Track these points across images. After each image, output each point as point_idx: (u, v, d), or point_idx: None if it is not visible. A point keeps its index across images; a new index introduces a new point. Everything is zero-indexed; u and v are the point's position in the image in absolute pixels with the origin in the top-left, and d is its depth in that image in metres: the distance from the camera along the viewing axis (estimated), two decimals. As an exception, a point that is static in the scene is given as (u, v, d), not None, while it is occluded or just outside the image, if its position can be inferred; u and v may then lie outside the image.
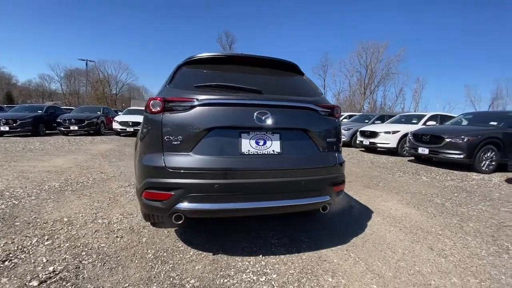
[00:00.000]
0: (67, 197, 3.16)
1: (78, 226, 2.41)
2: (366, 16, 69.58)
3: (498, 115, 6.82)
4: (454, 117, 8.45)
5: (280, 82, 2.12)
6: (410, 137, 7.02)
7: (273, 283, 1.70)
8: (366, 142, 8.85)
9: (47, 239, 2.15)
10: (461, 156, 5.74)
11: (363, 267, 1.91)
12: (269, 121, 1.77)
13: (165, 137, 1.72)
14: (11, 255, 1.90)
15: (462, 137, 5.80)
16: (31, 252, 1.95)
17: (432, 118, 8.68)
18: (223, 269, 1.82)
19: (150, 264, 1.86)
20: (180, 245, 2.14)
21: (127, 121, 11.37)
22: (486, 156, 5.77)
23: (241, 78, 2.01)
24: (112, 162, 5.52)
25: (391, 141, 8.27)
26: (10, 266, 1.77)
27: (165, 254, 1.99)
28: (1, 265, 1.78)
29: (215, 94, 1.78)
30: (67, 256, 1.91)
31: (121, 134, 12.09)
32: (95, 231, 2.32)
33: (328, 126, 1.98)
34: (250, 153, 1.76)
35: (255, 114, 1.76)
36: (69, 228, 2.36)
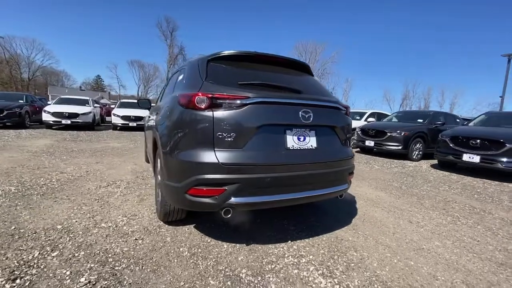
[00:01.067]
0: (41, 203, 2.70)
1: (80, 233, 2.15)
2: (306, 16, 74.56)
3: (422, 114, 8.44)
4: (388, 114, 10.05)
5: (302, 82, 2.30)
6: (358, 132, 8.09)
7: (313, 262, 1.91)
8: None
9: (52, 250, 1.87)
10: (399, 147, 6.95)
11: (372, 241, 2.29)
12: (310, 119, 1.95)
13: (217, 134, 1.72)
14: (16, 272, 1.62)
15: (399, 131, 7.02)
16: (42, 266, 1.69)
17: (371, 115, 10.13)
18: (265, 257, 1.94)
19: (192, 261, 1.84)
20: (209, 240, 2.14)
21: (62, 112, 9.76)
22: (416, 147, 7.14)
23: (270, 77, 2.12)
24: (65, 160, 4.79)
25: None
26: (27, 284, 1.52)
27: (200, 250, 1.99)
28: (14, 285, 1.51)
29: (264, 92, 1.86)
30: (92, 265, 1.73)
31: (54, 127, 10.32)
32: (106, 236, 2.11)
33: (347, 123, 2.27)
34: (293, 148, 1.90)
35: (300, 112, 1.91)
36: (71, 235, 2.09)
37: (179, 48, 54.41)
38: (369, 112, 10.26)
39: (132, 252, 1.91)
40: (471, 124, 6.56)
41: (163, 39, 52.97)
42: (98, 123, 12.45)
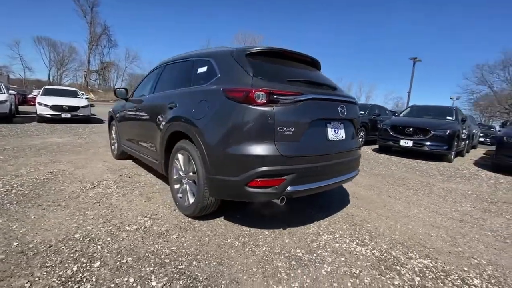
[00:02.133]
0: (26, 212, 2.25)
1: (108, 239, 1.94)
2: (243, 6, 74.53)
3: (362, 106, 9.81)
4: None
5: (321, 78, 2.52)
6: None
7: (345, 236, 2.23)
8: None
9: (91, 261, 1.67)
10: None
11: (374, 214, 2.77)
12: (344, 114, 2.22)
13: (278, 128, 1.81)
14: (69, 289, 1.42)
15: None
16: (93, 279, 1.52)
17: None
18: (306, 237, 2.16)
19: (247, 249, 1.92)
20: (248, 229, 2.23)
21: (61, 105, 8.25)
22: (360, 134, 8.35)
23: (302, 74, 2.29)
24: (7, 161, 3.91)
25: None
26: (94, 298, 1.37)
27: (247, 239, 2.07)
28: (78, 301, 1.34)
29: (312, 89, 2.01)
30: (152, 268, 1.64)
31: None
32: (142, 238, 1.97)
33: (359, 116, 2.63)
34: (332, 139, 2.14)
35: (339, 108, 2.15)
36: (100, 243, 1.87)
37: (102, 27, 47.45)
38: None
39: (184, 250, 1.86)
40: (401, 115, 8.07)
41: (81, 15, 45.21)
42: (14, 115, 10.14)
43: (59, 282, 1.48)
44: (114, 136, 4.44)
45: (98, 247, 1.83)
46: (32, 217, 2.19)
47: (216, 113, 1.96)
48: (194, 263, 1.72)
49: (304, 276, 1.66)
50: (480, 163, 6.80)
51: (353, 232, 2.31)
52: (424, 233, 2.40)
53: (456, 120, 6.84)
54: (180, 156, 2.41)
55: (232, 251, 1.89)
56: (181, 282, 1.54)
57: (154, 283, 1.51)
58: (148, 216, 2.35)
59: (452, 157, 6.45)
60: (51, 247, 1.79)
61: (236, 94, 1.88)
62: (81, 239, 1.91)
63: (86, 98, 10.66)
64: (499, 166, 5.59)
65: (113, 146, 4.58)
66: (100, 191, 2.88)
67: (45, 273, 1.54)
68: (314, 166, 1.96)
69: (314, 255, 1.91)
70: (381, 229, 2.41)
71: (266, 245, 2.00)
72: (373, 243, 2.15)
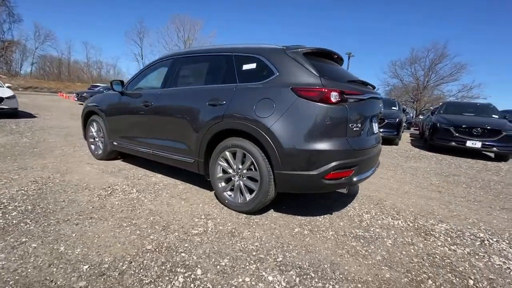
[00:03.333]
0: (58, 230, 1.90)
1: (185, 245, 1.84)
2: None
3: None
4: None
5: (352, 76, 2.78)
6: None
7: (379, 214, 2.62)
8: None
9: (189, 269, 1.60)
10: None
11: (384, 194, 3.28)
12: (381, 110, 2.54)
13: (350, 125, 2.00)
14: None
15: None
16: (206, 285, 1.49)
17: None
18: (353, 218, 2.46)
19: (319, 235, 2.10)
20: (303, 218, 2.39)
21: None
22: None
23: (344, 72, 2.51)
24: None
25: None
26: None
27: (310, 227, 2.24)
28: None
29: (367, 89, 2.23)
30: (256, 265, 1.68)
31: None
32: (218, 240, 1.94)
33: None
34: (375, 133, 2.45)
35: (380, 104, 2.45)
36: (181, 250, 1.77)
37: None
38: None
39: (267, 244, 1.92)
40: (442, 112, 7.54)
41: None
42: None
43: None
44: (95, 134, 3.88)
45: (184, 254, 1.74)
46: (73, 235, 1.88)
47: (287, 111, 2.02)
48: (287, 254, 1.82)
49: (379, 250, 1.96)
50: (416, 145, 8.40)
51: (382, 210, 2.73)
52: (426, 204, 3.00)
53: (399, 110, 8.23)
54: (228, 154, 2.37)
55: (308, 239, 2.05)
56: (293, 273, 1.64)
57: (270, 278, 1.57)
58: (202, 217, 2.27)
59: (398, 141, 7.78)
60: (133, 263, 1.62)
61: (310, 94, 1.98)
62: (157, 249, 1.77)
63: (8, 87, 8.53)
64: (433, 146, 7.04)
65: (93, 146, 3.99)
66: (124, 197, 2.58)
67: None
68: (368, 158, 2.25)
69: (371, 232, 2.23)
70: (398, 205, 2.91)
71: (330, 230, 2.22)
72: (401, 216, 2.61)
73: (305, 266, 1.71)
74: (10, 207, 2.21)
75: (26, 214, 2.12)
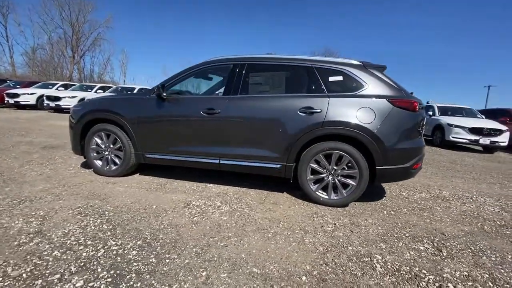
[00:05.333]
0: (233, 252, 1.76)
1: (353, 248, 2.08)
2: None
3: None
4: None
5: None
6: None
7: (422, 194, 3.48)
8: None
9: (369, 268, 1.90)
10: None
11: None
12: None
13: (423, 127, 2.64)
14: None
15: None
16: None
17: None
18: (393, 205, 3.21)
19: (419, 212, 2.72)
20: (380, 201, 2.96)
21: None
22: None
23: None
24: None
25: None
26: None
27: (394, 212, 2.83)
28: None
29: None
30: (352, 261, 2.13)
31: None
32: (363, 237, 2.25)
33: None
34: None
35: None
36: (355, 260, 2.01)
37: None
38: (98, 86, 13.48)
39: (405, 231, 2.38)
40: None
41: None
42: None
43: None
44: (104, 147, 3.22)
45: (352, 248, 1.99)
46: (253, 251, 1.79)
47: (386, 118, 2.48)
48: (399, 225, 2.34)
49: (445, 216, 2.74)
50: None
51: (421, 190, 3.61)
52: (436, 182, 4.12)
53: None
54: (322, 157, 2.65)
55: (392, 212, 2.62)
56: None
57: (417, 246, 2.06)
58: (314, 217, 2.48)
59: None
60: (333, 263, 1.77)
61: (403, 104, 2.51)
62: (337, 260, 1.94)
63: None
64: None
65: (100, 161, 3.28)
66: (221, 212, 2.44)
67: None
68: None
69: (406, 211, 3.03)
70: (433, 187, 3.87)
71: (389, 206, 2.87)
72: (437, 192, 3.55)
73: (400, 224, 2.28)
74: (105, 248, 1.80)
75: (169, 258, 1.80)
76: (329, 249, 1.95)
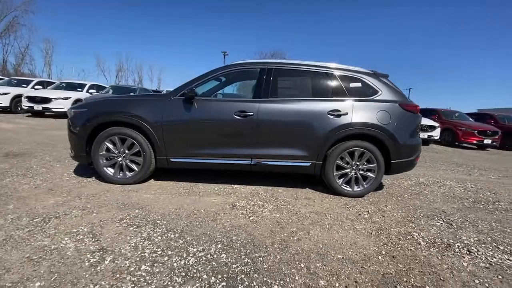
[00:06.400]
0: (303, 249, 1.91)
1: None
2: None
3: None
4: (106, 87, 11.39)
5: None
6: None
7: (399, 188, 4.13)
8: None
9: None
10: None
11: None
12: None
13: (419, 127, 3.20)
14: None
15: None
16: None
17: (92, 87, 11.13)
18: (432, 183, 3.80)
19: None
20: (390, 187, 3.45)
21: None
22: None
23: None
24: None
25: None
26: None
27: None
28: None
29: None
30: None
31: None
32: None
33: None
34: None
35: None
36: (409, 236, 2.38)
37: None
38: (89, 84, 11.17)
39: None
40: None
41: None
42: None
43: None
44: (118, 152, 2.96)
45: (415, 236, 2.36)
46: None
47: (399, 119, 2.95)
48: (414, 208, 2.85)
49: (435, 198, 3.39)
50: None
51: (410, 179, 4.26)
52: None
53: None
54: (346, 154, 3.00)
55: (404, 194, 3.15)
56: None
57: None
58: (348, 207, 2.80)
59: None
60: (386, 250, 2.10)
61: (411, 108, 3.02)
62: (391, 240, 2.28)
63: None
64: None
65: (111, 169, 3.00)
66: (269, 213, 2.56)
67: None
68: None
69: (414, 182, 3.66)
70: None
71: (396, 190, 3.43)
72: (414, 178, 4.24)
73: (411, 207, 2.82)
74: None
75: (238, 251, 1.85)
76: (379, 232, 2.29)
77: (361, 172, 3.07)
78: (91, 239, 1.89)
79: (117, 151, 2.97)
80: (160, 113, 2.91)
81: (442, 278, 1.71)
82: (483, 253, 2.07)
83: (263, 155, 2.98)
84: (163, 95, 3.13)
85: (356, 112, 2.95)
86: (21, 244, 1.77)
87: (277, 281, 1.57)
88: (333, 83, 3.07)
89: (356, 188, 3.09)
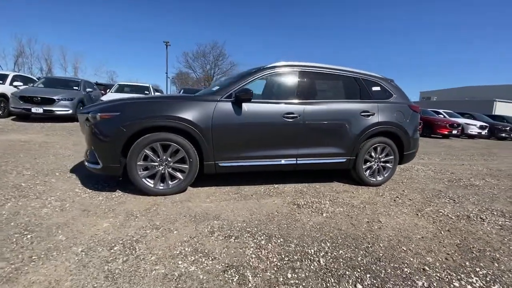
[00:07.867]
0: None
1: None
2: None
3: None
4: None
5: None
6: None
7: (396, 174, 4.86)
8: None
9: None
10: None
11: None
12: None
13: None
14: None
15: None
16: None
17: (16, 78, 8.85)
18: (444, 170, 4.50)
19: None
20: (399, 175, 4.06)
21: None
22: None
23: None
24: None
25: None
26: None
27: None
28: None
29: None
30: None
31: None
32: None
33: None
34: None
35: None
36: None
37: None
38: (12, 74, 8.80)
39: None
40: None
41: None
42: None
43: None
44: (159, 161, 2.68)
45: (445, 213, 2.90)
46: (399, 231, 2.32)
47: (410, 118, 3.53)
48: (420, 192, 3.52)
49: (425, 180, 4.18)
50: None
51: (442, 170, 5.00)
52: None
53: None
54: (372, 149, 3.44)
55: (412, 183, 3.82)
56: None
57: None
58: (381, 195, 3.24)
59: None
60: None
61: (416, 109, 3.64)
62: (442, 218, 2.76)
63: None
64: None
65: (151, 180, 2.69)
66: (333, 209, 2.76)
67: None
68: None
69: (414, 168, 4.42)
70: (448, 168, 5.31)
71: (404, 174, 4.11)
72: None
73: (419, 189, 3.53)
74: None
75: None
76: (421, 213, 2.77)
77: (381, 164, 3.56)
78: (206, 258, 1.75)
79: (158, 159, 2.66)
80: (210, 117, 2.73)
81: (487, 241, 2.26)
82: (490, 218, 2.76)
83: (307, 154, 3.15)
84: (205, 96, 2.94)
85: (381, 113, 3.40)
86: (134, 277, 1.52)
87: (401, 264, 1.82)
88: (360, 87, 3.44)
89: (378, 178, 3.58)
